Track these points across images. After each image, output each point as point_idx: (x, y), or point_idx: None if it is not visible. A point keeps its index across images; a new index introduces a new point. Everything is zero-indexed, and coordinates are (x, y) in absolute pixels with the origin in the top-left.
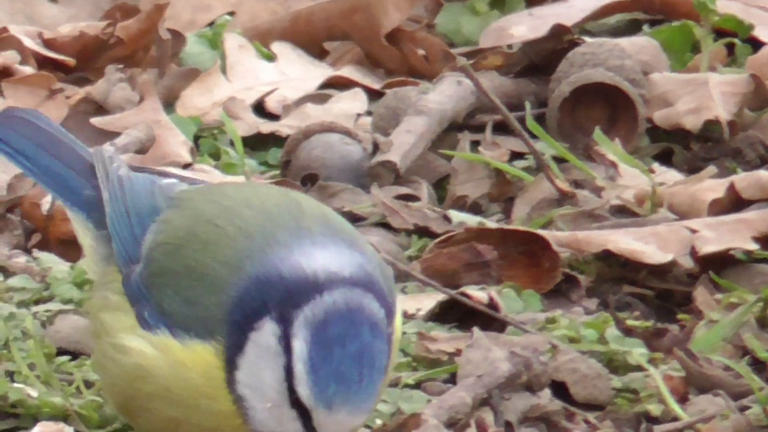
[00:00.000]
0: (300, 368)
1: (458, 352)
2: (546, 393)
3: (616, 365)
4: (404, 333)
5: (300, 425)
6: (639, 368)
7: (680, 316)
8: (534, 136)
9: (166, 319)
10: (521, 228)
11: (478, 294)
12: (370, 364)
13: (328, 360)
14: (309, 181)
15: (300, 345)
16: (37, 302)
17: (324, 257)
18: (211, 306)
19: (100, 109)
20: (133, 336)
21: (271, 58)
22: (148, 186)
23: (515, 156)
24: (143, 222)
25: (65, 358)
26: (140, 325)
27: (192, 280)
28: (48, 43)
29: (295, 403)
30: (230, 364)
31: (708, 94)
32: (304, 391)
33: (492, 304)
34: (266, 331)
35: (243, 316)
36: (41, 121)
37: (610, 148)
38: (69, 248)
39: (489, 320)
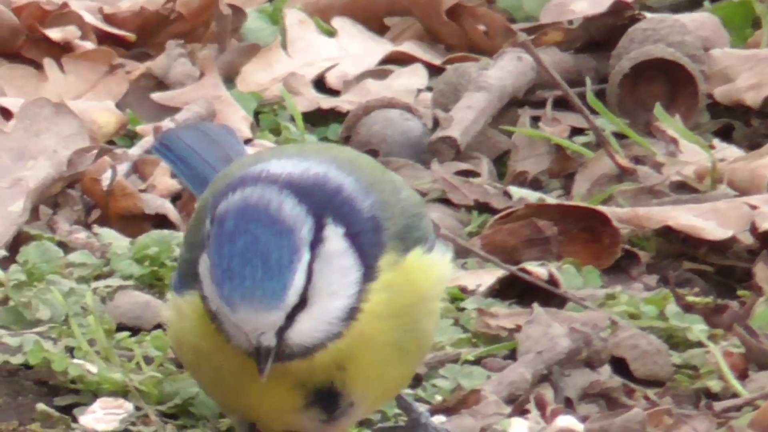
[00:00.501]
0: (204, 271)
1: (518, 328)
2: (606, 369)
3: (676, 341)
4: (464, 309)
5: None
6: (699, 344)
7: (740, 292)
8: (594, 112)
9: (179, 276)
10: (581, 204)
11: (538, 270)
12: (263, 258)
13: (221, 258)
14: None
15: (209, 245)
16: (97, 278)
17: (277, 164)
18: (199, 241)
19: (161, 84)
20: (169, 303)
21: (331, 33)
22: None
23: (575, 132)
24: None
25: (125, 333)
26: (172, 289)
27: (194, 222)
28: (108, 19)
29: None
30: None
31: None
32: (209, 294)
33: (552, 280)
34: (205, 235)
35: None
36: (216, 134)
37: (671, 124)
38: (129, 224)
39: (549, 296)
